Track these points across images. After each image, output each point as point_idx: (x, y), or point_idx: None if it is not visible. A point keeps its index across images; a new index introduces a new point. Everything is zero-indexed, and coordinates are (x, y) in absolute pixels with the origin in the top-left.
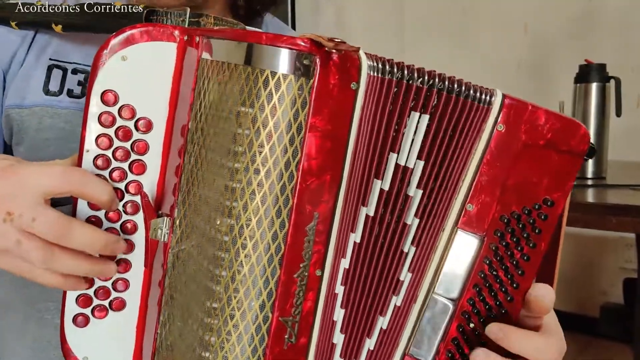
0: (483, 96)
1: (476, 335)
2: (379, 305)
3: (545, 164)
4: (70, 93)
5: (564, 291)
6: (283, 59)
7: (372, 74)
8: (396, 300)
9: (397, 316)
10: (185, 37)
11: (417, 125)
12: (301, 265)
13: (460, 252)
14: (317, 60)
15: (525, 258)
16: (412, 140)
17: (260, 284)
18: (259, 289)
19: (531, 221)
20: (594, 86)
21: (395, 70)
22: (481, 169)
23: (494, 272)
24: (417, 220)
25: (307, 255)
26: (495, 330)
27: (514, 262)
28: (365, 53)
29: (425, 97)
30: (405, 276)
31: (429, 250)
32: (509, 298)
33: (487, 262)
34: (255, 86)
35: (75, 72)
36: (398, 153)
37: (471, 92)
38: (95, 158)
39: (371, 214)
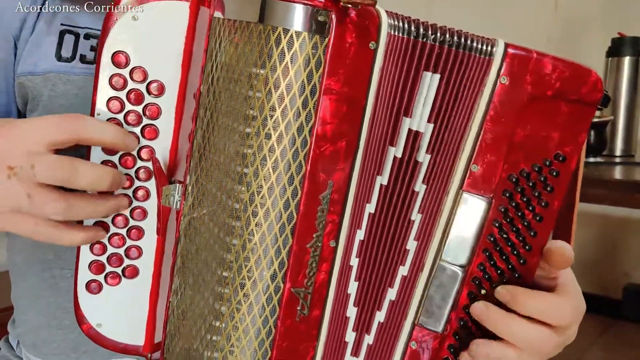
0: (483, 47)
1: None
2: (387, 276)
3: (554, 116)
4: (83, 59)
5: (587, 272)
6: (296, 15)
7: (393, 33)
8: (403, 271)
9: (404, 286)
10: None
11: (428, 86)
12: (314, 235)
13: (467, 216)
14: (333, 16)
15: (537, 218)
16: (424, 103)
17: (272, 253)
18: (270, 258)
19: (542, 179)
20: (626, 60)
21: (419, 29)
22: (485, 126)
23: (504, 235)
24: (424, 187)
25: (320, 225)
26: (503, 293)
27: (526, 224)
28: (386, 11)
29: (437, 55)
30: (411, 245)
31: (434, 217)
32: (521, 261)
33: (497, 224)
34: (267, 45)
35: (87, 37)
36: (411, 117)
37: (470, 43)
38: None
39: (385, 183)
